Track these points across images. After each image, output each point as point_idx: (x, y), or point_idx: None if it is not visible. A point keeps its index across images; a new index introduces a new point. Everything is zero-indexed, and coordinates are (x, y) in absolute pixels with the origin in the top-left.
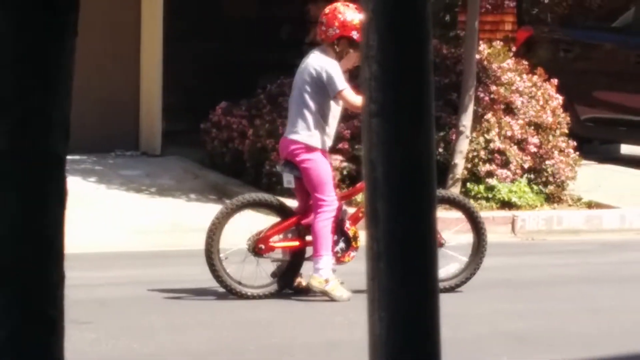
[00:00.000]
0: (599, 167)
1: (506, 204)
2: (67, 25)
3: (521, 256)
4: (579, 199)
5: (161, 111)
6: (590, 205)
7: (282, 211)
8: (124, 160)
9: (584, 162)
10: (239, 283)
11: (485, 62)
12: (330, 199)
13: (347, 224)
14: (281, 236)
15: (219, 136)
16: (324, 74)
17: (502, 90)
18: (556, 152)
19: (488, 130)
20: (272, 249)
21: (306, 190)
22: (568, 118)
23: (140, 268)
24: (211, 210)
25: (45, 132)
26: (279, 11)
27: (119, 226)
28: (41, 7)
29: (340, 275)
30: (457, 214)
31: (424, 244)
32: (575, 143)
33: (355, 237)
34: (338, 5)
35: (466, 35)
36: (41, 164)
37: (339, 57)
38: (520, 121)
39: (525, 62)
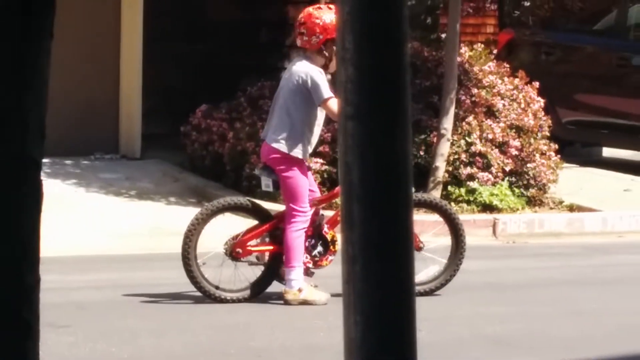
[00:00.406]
0: (581, 170)
1: (487, 207)
2: (44, 28)
3: (502, 259)
4: (561, 202)
5: (141, 114)
6: (571, 208)
7: (259, 214)
8: (104, 163)
9: (565, 165)
10: (217, 287)
11: (467, 65)
12: (304, 210)
13: (325, 228)
14: (258, 240)
15: (199, 139)
16: (309, 81)
17: (483, 93)
18: (537, 155)
19: (469, 133)
20: (250, 252)
21: None
22: (549, 121)
23: (119, 271)
24: (191, 213)
25: (21, 135)
26: (260, 14)
27: (99, 229)
28: (19, 11)
29: (318, 278)
30: (435, 217)
31: (400, 247)
32: (556, 146)
33: (334, 241)
34: (311, 10)
35: (447, 38)
36: (17, 167)
37: (329, 60)
38: (502, 124)
39: (507, 65)
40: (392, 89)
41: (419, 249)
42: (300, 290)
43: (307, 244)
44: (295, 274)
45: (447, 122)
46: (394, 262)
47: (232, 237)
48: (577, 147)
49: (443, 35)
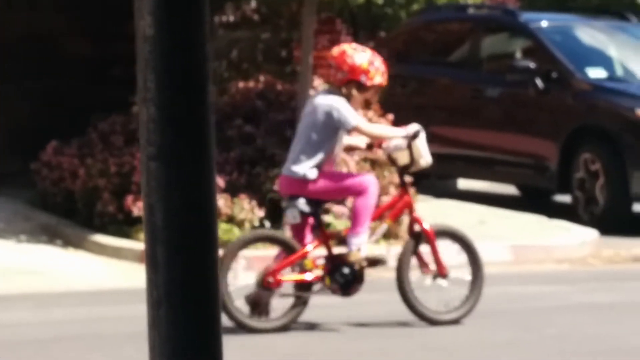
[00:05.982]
0: (436, 202)
1: (342, 241)
2: None
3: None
4: None
5: None
6: None
7: (288, 245)
8: None
9: (420, 197)
10: (249, 317)
11: None
12: (368, 181)
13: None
14: (289, 270)
15: (49, 176)
16: (335, 112)
17: None
18: (392, 188)
19: None
20: (280, 282)
21: (306, 227)
22: None
23: None
24: (42, 251)
25: None
26: (111, 50)
27: None
28: None
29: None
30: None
31: (205, 290)
32: (411, 178)
33: (362, 271)
34: (345, 48)
35: (301, 71)
36: None
37: (347, 98)
38: (356, 157)
39: None
40: (196, 129)
41: (444, 276)
42: (359, 249)
43: (336, 273)
44: (360, 239)
45: None
46: (199, 305)
47: (264, 267)
48: (432, 180)
49: (298, 68)
